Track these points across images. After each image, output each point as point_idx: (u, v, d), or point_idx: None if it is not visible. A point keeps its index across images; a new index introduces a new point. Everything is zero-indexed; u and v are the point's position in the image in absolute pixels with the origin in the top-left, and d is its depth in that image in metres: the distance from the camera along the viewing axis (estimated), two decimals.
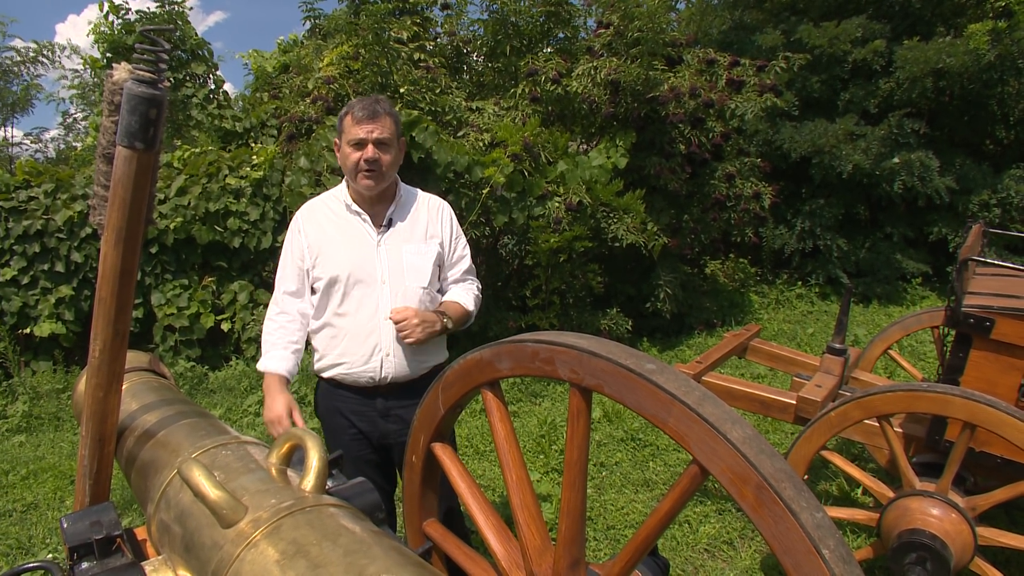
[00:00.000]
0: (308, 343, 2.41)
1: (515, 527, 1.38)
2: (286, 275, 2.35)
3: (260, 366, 2.32)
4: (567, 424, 1.29)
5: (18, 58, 18.32)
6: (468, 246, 2.50)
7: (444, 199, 2.51)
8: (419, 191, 2.45)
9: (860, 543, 3.38)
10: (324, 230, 2.31)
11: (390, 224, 2.31)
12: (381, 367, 2.26)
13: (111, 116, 1.22)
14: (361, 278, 2.25)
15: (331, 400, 2.39)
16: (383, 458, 2.44)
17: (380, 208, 2.32)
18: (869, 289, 9.08)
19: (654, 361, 1.17)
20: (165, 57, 1.16)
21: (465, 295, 2.41)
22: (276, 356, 2.30)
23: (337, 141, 2.28)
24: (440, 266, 2.39)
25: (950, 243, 9.05)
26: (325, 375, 2.36)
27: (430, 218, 2.38)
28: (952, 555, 2.44)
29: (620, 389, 1.17)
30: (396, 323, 2.19)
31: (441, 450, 1.63)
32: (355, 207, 2.30)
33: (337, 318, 2.28)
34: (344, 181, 2.36)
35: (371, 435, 2.37)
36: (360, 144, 2.19)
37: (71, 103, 18.78)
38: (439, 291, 2.42)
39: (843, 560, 1.01)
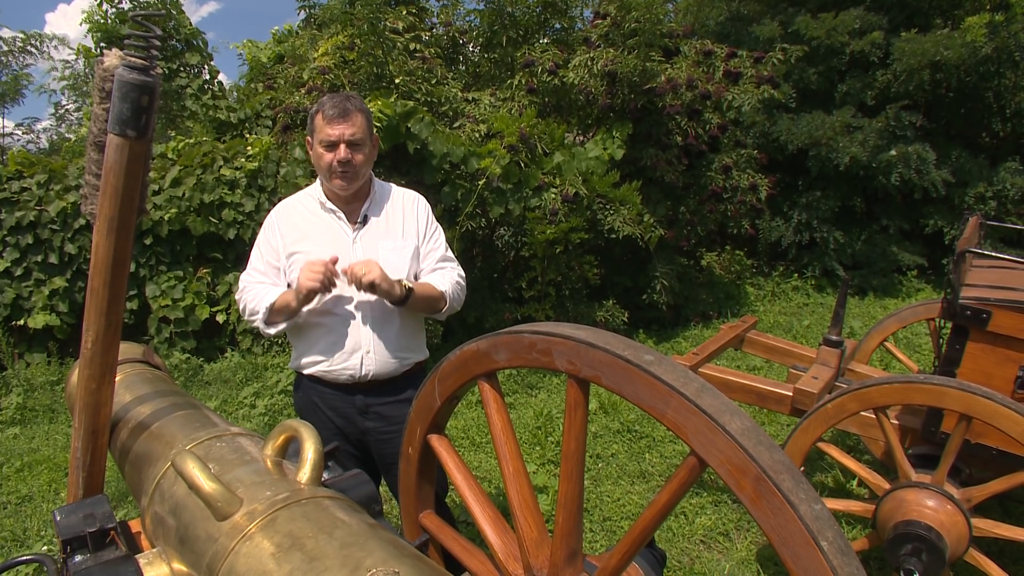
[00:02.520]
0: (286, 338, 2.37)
1: (512, 519, 1.37)
2: (256, 267, 2.32)
3: (265, 303, 2.20)
4: (564, 415, 1.28)
5: (5, 48, 18.13)
6: (443, 234, 2.46)
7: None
8: (393, 186, 2.42)
9: (856, 534, 3.40)
10: (299, 228, 2.29)
11: (365, 221, 2.29)
12: (361, 364, 2.24)
13: (102, 104, 1.20)
14: (336, 276, 2.22)
15: (310, 395, 2.37)
16: (362, 454, 2.44)
17: (355, 205, 2.30)
18: (865, 281, 9.10)
19: (652, 352, 1.17)
20: (156, 43, 1.14)
21: (439, 278, 2.34)
22: (273, 291, 2.24)
23: (309, 139, 2.25)
24: (418, 261, 2.36)
25: (946, 236, 9.06)
26: (305, 372, 2.35)
27: (406, 213, 2.35)
28: (947, 546, 2.45)
29: (618, 380, 1.16)
30: (353, 272, 2.08)
31: (437, 442, 1.62)
32: (330, 205, 2.28)
33: (314, 316, 2.26)
34: (319, 179, 2.34)
35: (350, 432, 2.36)
36: (332, 145, 2.15)
37: (62, 94, 18.64)
38: None
39: (841, 552, 1.00)
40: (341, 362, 2.25)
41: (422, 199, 2.44)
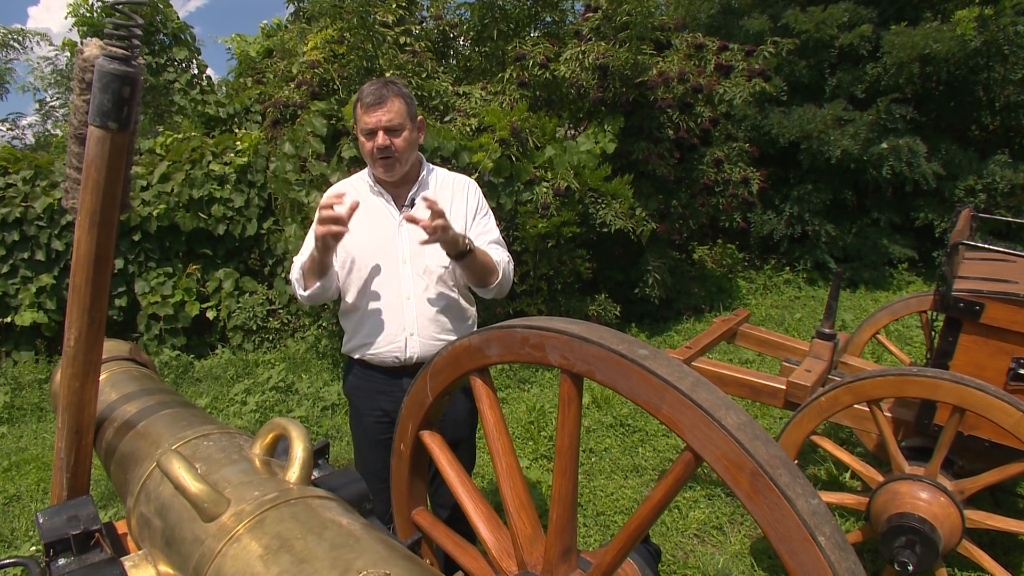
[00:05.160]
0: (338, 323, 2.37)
1: (505, 515, 1.36)
2: (309, 247, 2.30)
3: (298, 266, 2.24)
4: (558, 411, 1.27)
5: None
6: (494, 220, 2.44)
7: None
8: (444, 170, 2.42)
9: (849, 527, 3.40)
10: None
11: (412, 204, 2.29)
12: (406, 347, 2.25)
13: (82, 95, 1.17)
14: (382, 258, 2.24)
15: (358, 380, 2.39)
16: None
17: (403, 189, 2.31)
18: (856, 274, 9.13)
19: (646, 346, 1.15)
20: (138, 32, 1.11)
21: (494, 252, 2.33)
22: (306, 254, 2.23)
23: (356, 126, 2.27)
24: None
25: (936, 228, 9.09)
26: (354, 356, 2.36)
27: (455, 197, 2.34)
28: (941, 538, 2.45)
29: (612, 375, 1.15)
30: (418, 222, 2.04)
31: (430, 438, 1.60)
32: (378, 188, 2.31)
33: (361, 299, 2.28)
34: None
35: (396, 416, 2.34)
36: (371, 133, 2.17)
37: (45, 91, 18.40)
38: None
39: (838, 547, 0.99)
40: (386, 345, 2.26)
41: (472, 183, 2.42)
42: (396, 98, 2.17)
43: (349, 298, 2.31)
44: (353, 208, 2.05)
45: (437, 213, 2.02)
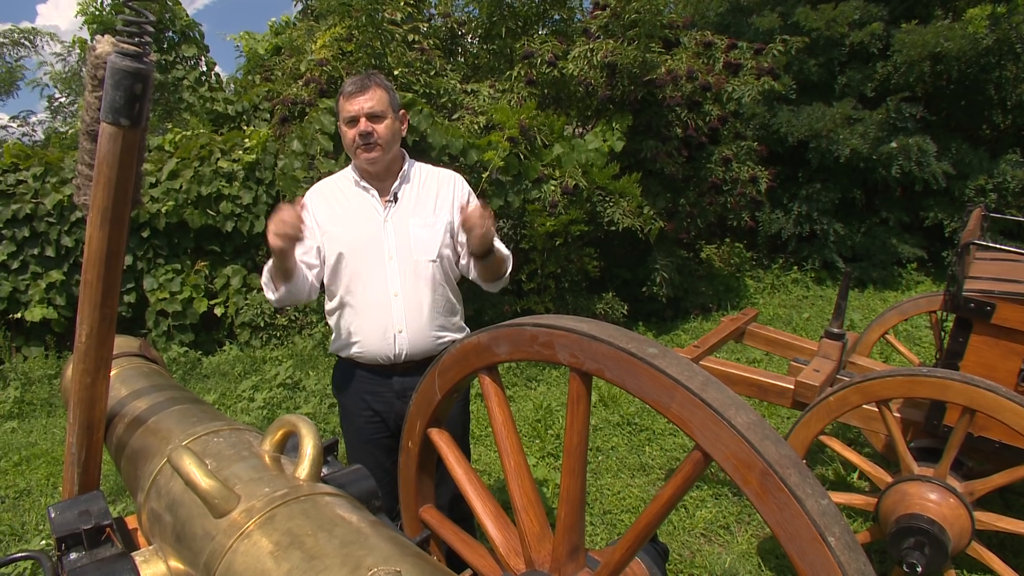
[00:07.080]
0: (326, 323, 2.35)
1: (513, 514, 1.36)
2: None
3: (267, 269, 2.19)
4: (567, 410, 1.27)
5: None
6: None
7: None
8: (428, 165, 2.41)
9: (857, 527, 3.39)
10: (331, 207, 2.29)
11: (396, 198, 2.28)
12: (395, 344, 2.23)
13: (95, 92, 1.17)
14: (368, 255, 2.22)
15: (348, 380, 2.37)
16: (397, 441, 2.43)
17: (387, 183, 2.29)
18: (865, 274, 9.08)
19: (656, 345, 1.15)
20: (150, 29, 1.11)
21: (499, 243, 2.33)
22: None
23: (340, 124, 2.26)
24: (454, 237, 2.32)
25: (946, 228, 9.03)
26: (342, 355, 2.35)
27: (440, 190, 2.32)
28: (950, 540, 2.44)
29: (621, 374, 1.14)
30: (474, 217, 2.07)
31: (438, 435, 1.61)
32: (363, 183, 2.28)
33: (349, 296, 2.26)
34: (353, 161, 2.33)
35: (387, 416, 2.34)
36: (353, 120, 2.17)
37: (55, 88, 18.47)
38: (457, 264, 2.35)
39: (848, 548, 0.99)
40: (375, 342, 2.24)
41: (459, 178, 2.41)
42: (378, 87, 2.19)
43: (335, 296, 2.29)
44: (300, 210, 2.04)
45: (487, 213, 2.07)
